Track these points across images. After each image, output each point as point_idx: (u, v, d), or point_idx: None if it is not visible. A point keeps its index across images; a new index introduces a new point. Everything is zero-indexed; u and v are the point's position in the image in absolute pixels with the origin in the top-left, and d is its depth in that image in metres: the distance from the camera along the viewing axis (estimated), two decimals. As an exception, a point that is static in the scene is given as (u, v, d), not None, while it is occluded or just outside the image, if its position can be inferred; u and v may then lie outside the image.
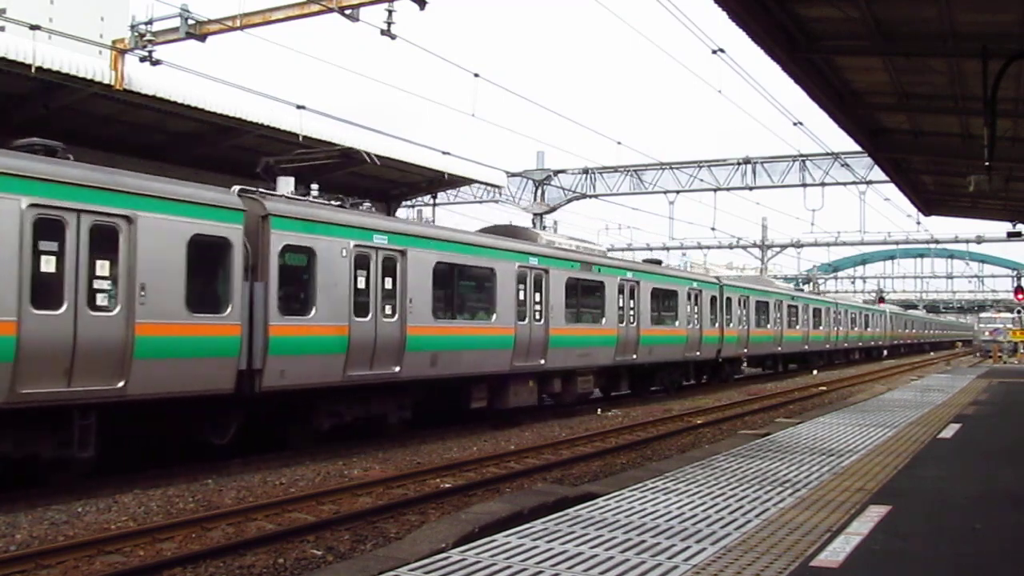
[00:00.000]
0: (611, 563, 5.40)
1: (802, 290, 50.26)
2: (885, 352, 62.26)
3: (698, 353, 26.58)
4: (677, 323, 25.17)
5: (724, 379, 31.13)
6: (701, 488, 7.94)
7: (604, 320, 21.01)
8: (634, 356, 22.32)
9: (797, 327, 38.49)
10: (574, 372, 20.06)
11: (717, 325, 28.11)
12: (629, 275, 22.49)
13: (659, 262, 30.53)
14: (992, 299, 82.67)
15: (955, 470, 9.27)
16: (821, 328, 42.61)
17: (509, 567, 5.31)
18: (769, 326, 34.31)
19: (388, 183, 24.04)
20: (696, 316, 26.34)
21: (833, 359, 47.05)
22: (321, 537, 9.03)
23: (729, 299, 29.47)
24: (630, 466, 13.77)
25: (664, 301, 24.68)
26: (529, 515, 8.57)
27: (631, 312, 22.24)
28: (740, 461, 9.60)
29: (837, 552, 5.73)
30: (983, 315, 77.23)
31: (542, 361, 18.30)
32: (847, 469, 9.09)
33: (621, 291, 21.82)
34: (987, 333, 71.35)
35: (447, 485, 11.73)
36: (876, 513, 6.91)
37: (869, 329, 54.56)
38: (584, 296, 20.65)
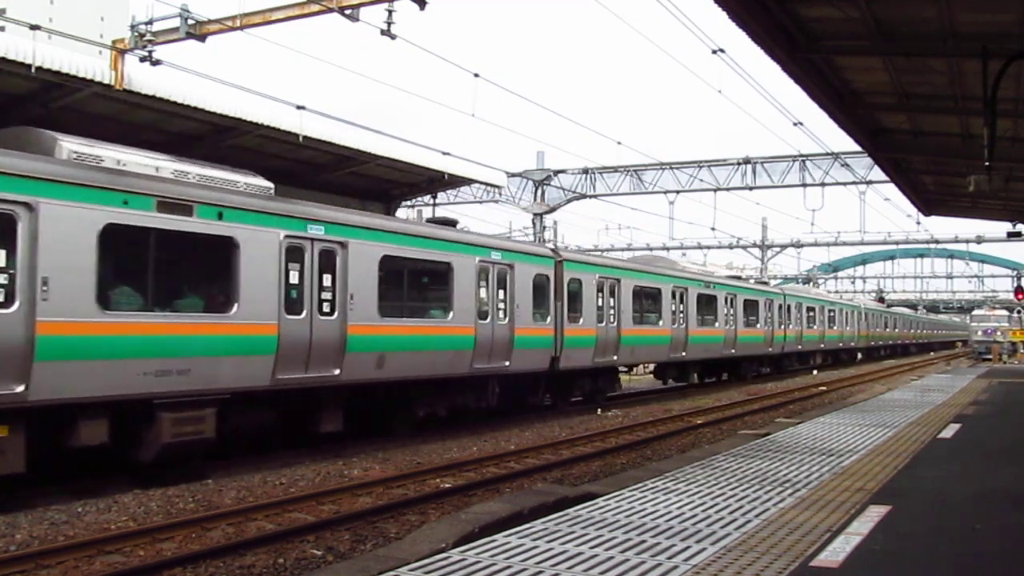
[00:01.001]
0: (611, 563, 5.41)
1: (739, 276, 39.49)
2: (859, 356, 53.38)
3: (507, 363, 17.42)
4: (451, 316, 15.92)
5: (584, 400, 22.03)
6: (701, 488, 7.94)
7: (236, 309, 11.96)
8: (336, 371, 13.25)
9: (716, 325, 28.71)
10: (150, 405, 10.97)
11: (550, 321, 19.05)
12: (316, 230, 13.13)
13: (453, 223, 19.04)
14: (991, 298, 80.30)
15: (955, 470, 9.27)
16: (758, 326, 32.90)
17: (509, 567, 5.32)
18: (662, 323, 24.63)
19: (388, 183, 24.02)
20: (500, 306, 17.42)
21: (781, 366, 38.03)
22: (321, 537, 9.03)
23: (577, 281, 20.27)
24: (630, 466, 13.78)
25: (417, 281, 15.98)
26: (529, 515, 8.57)
27: (318, 296, 13.11)
28: (740, 461, 9.60)
29: (837, 552, 5.73)
30: (975, 313, 72.57)
31: (19, 388, 9.60)
32: (847, 469, 9.09)
33: (294, 259, 12.81)
34: (980, 333, 64.39)
35: (447, 485, 11.74)
36: (876, 513, 6.91)
37: (836, 328, 45.05)
38: (177, 264, 11.96)
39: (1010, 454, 10.82)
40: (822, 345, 42.83)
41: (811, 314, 40.43)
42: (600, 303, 21.25)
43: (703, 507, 7.10)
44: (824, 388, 30.06)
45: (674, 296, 25.54)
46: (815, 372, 40.00)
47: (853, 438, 11.70)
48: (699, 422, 19.49)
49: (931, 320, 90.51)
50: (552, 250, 20.86)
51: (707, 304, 28.22)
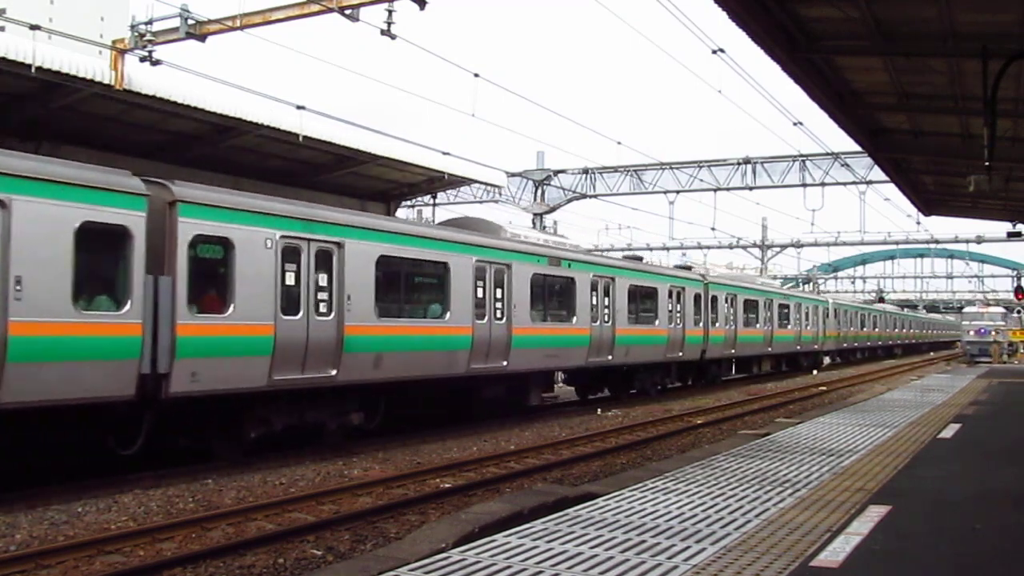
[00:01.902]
0: (611, 563, 5.41)
1: (639, 258, 29.89)
2: (826, 360, 45.74)
3: None
4: None
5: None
6: (701, 488, 7.94)
7: None
8: None
9: (575, 321, 20.00)
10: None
11: (127, 304, 10.78)
12: None
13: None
14: (986, 295, 75.01)
15: (955, 470, 9.27)
16: (656, 324, 23.91)
17: (509, 567, 5.32)
18: (453, 316, 15.95)
19: (388, 183, 24.04)
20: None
21: (708, 374, 29.47)
22: (321, 537, 9.03)
23: (210, 241, 11.85)
24: (630, 466, 13.78)
25: None
26: (529, 515, 8.57)
27: None
28: (740, 461, 9.60)
29: (837, 552, 5.73)
30: (967, 310, 65.77)
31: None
32: (847, 469, 9.09)
33: None
34: (972, 333, 57.45)
35: (447, 485, 11.74)
36: (876, 513, 6.91)
37: (790, 327, 36.69)
38: None
39: (1010, 454, 10.82)
40: (769, 348, 34.21)
41: (751, 309, 31.88)
42: (291, 281, 12.74)
43: (703, 507, 7.10)
44: (824, 388, 30.07)
45: (480, 275, 16.84)
46: (815, 372, 39.96)
47: (853, 438, 11.70)
48: (699, 422, 19.49)
49: (922, 319, 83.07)
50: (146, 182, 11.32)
51: (556, 291, 19.87)
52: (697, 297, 26.90)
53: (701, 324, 26.99)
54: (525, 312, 18.15)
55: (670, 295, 24.89)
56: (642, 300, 23.48)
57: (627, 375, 23.84)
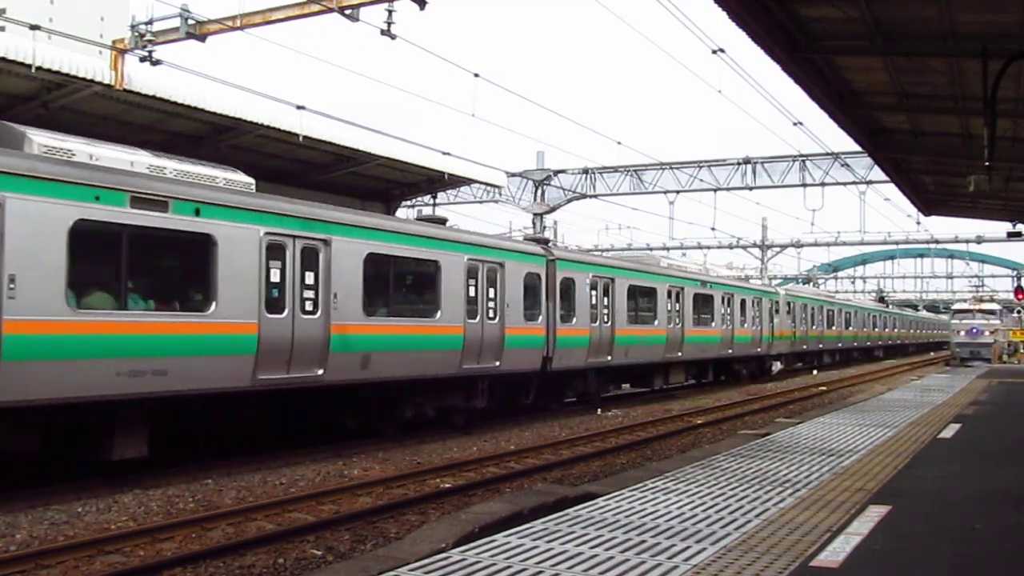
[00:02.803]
0: (611, 563, 5.41)
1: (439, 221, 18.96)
2: (777, 365, 37.14)
3: None
4: None
5: None
6: (701, 488, 7.94)
7: None
8: None
9: (213, 310, 11.50)
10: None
11: None
12: None
13: None
14: (979, 290, 68.35)
15: (955, 470, 9.28)
16: (442, 318, 15.53)
17: (509, 567, 5.32)
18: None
19: (388, 183, 24.05)
20: None
21: (560, 395, 20.87)
22: (321, 537, 9.03)
23: None
24: (630, 466, 13.78)
25: None
26: (529, 515, 8.57)
27: None
28: (740, 461, 9.60)
29: (837, 552, 5.73)
30: (957, 307, 58.30)
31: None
32: (847, 469, 9.09)
33: None
34: (962, 333, 51.27)
35: (447, 485, 11.74)
36: (876, 513, 6.91)
37: (715, 325, 28.15)
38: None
39: (1010, 454, 10.82)
40: (678, 354, 25.23)
41: (642, 300, 23.46)
42: None
43: (703, 507, 7.10)
44: (824, 388, 30.08)
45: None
46: (815, 372, 39.91)
47: (853, 438, 11.70)
48: (699, 422, 19.50)
49: (908, 316, 76.60)
50: None
51: (167, 258, 12.10)
52: (533, 280, 18.55)
53: (541, 319, 18.66)
54: (49, 292, 9.77)
55: (471, 275, 16.49)
56: (405, 281, 15.80)
57: (386, 398, 15.19)
